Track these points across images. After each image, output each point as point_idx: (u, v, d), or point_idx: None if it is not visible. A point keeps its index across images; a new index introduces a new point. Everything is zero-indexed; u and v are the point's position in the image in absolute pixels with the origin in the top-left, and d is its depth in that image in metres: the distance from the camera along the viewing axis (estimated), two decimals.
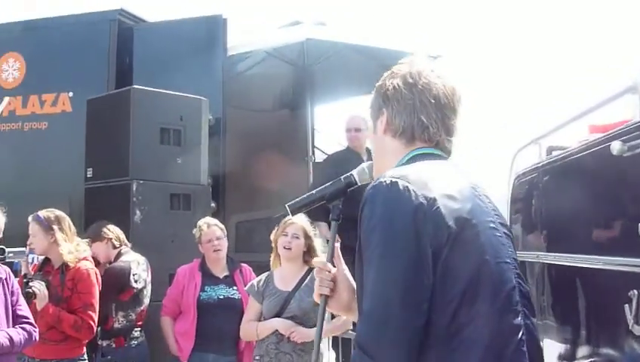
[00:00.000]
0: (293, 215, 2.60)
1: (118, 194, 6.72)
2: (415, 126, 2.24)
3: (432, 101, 2.24)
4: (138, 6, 9.27)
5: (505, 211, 5.28)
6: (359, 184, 2.46)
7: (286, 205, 2.54)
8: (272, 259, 5.44)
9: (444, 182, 2.07)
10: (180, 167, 6.96)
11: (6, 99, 8.97)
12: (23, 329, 4.58)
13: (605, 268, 3.20)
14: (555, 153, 4.23)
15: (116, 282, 5.73)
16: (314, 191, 2.54)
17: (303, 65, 9.54)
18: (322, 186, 2.51)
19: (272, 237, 5.40)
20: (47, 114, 8.76)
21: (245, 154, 8.58)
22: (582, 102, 3.89)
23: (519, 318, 2.04)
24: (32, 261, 5.49)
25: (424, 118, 2.23)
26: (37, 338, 4.71)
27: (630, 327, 2.84)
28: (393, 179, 2.02)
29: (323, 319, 2.47)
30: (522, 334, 2.02)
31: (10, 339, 4.44)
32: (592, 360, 3.59)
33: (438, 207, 1.98)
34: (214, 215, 6.97)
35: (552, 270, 4.26)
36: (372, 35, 8.99)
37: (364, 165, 2.50)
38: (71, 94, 8.65)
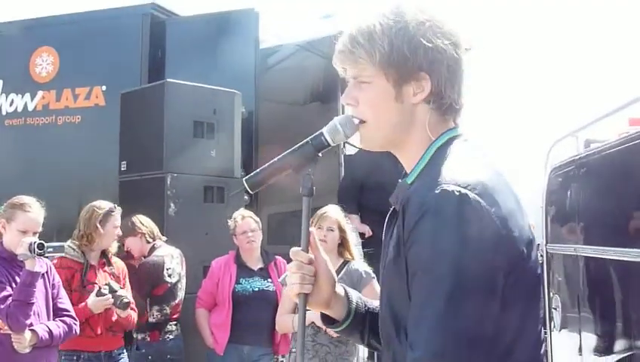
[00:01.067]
0: (252, 190, 2.05)
1: (153, 187, 6.76)
2: (460, 97, 1.89)
3: (463, 70, 1.90)
4: (170, 0, 9.30)
5: (540, 203, 5.26)
6: (332, 145, 1.97)
7: (243, 179, 2.07)
8: None
9: (504, 190, 1.78)
10: (213, 160, 6.99)
11: None
12: (63, 321, 4.64)
13: None
14: (593, 146, 4.20)
15: (150, 277, 5.78)
16: (276, 159, 2.03)
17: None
18: (287, 151, 2.02)
19: None
20: (80, 107, 8.84)
21: (277, 147, 8.56)
22: (620, 95, 3.86)
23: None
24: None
25: (462, 91, 1.90)
26: (77, 331, 4.77)
27: None
28: (462, 191, 1.66)
29: (304, 318, 2.01)
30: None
31: (50, 332, 4.49)
32: (631, 352, 3.57)
33: (513, 232, 1.71)
34: (247, 207, 6.99)
35: (590, 263, 4.23)
36: None
37: (337, 121, 1.96)
38: (104, 88, 8.72)
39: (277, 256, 6.26)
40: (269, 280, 6.05)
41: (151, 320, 5.81)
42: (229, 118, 7.20)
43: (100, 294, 5.16)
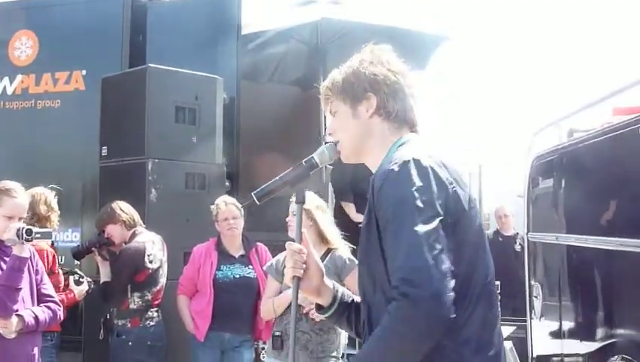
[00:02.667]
0: (259, 203, 2.61)
1: (134, 172, 6.72)
2: (406, 110, 2.46)
3: (409, 89, 2.48)
4: None
5: (523, 191, 5.28)
6: (319, 166, 2.55)
7: (252, 193, 2.61)
8: None
9: (451, 167, 2.30)
10: (195, 146, 6.96)
11: None
12: (48, 307, 4.61)
13: (629, 250, 3.20)
14: (576, 135, 4.22)
15: (131, 263, 5.75)
16: (277, 178, 2.58)
17: (317, 44, 9.48)
18: (284, 172, 2.56)
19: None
20: (60, 92, 8.71)
21: (259, 134, 8.57)
22: (605, 84, 3.87)
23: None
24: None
25: (410, 103, 2.47)
26: (62, 316, 4.77)
27: None
28: (414, 158, 2.20)
29: (297, 300, 2.54)
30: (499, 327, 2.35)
31: (36, 318, 4.47)
32: (612, 339, 3.60)
33: (456, 189, 2.23)
34: (228, 194, 6.97)
35: (572, 251, 4.26)
36: (387, 15, 8.94)
37: (324, 147, 2.58)
38: (84, 72, 8.61)
39: (258, 243, 6.26)
40: (250, 266, 6.05)
41: (132, 306, 5.78)
42: (210, 104, 7.17)
43: (77, 282, 5.47)
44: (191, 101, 7.00)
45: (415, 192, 2.14)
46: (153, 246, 5.85)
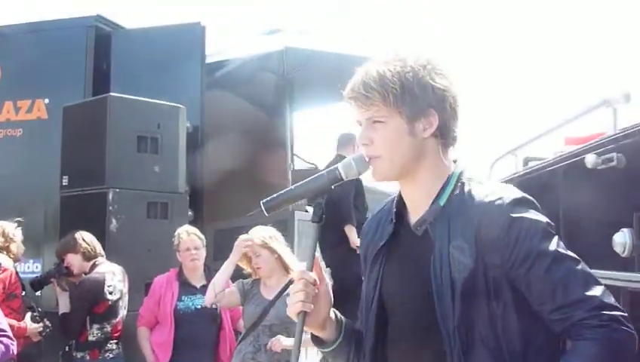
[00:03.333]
0: (268, 213, 2.25)
1: (94, 202, 6.66)
2: (457, 135, 2.18)
3: (460, 110, 2.18)
4: (116, 13, 9.22)
5: None
6: (345, 180, 2.19)
7: (261, 202, 2.26)
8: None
9: None
10: (157, 176, 6.93)
11: None
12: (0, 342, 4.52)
13: None
14: (531, 164, 4.23)
15: (90, 294, 5.69)
16: (292, 187, 2.23)
17: (282, 73, 9.52)
18: (303, 181, 2.22)
19: None
20: (22, 120, 8.68)
21: (224, 163, 8.55)
22: (559, 113, 3.90)
23: None
24: None
25: (457, 129, 2.19)
26: (14, 351, 4.65)
27: None
28: (523, 194, 2.06)
29: (301, 337, 2.15)
30: None
31: None
32: None
33: None
34: (191, 223, 6.93)
35: None
36: (352, 43, 8.99)
37: (352, 160, 2.18)
38: (47, 101, 8.58)
39: None
40: None
41: (91, 338, 5.70)
42: (173, 133, 7.15)
43: (34, 320, 5.38)
44: (153, 130, 6.97)
45: (548, 221, 2.01)
46: (113, 278, 5.78)
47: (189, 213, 7.45)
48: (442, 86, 2.09)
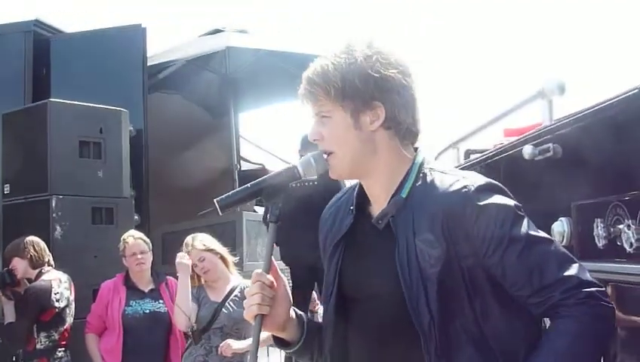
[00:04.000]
0: (222, 212, 2.15)
1: (38, 210, 6.58)
2: (416, 121, 2.12)
3: (417, 95, 2.13)
4: (55, 17, 9.10)
5: None
6: (303, 178, 2.14)
7: (215, 200, 2.16)
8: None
9: None
10: (101, 181, 6.86)
11: None
12: None
13: None
14: (472, 156, 4.28)
15: (36, 302, 5.60)
16: (248, 185, 2.15)
17: (226, 72, 9.50)
18: (259, 179, 2.15)
19: None
20: None
21: (169, 165, 8.50)
22: (497, 106, 3.95)
23: None
24: None
25: (417, 117, 2.13)
26: None
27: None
28: (489, 180, 2.05)
29: (259, 341, 2.10)
30: None
31: None
32: None
33: None
34: (138, 227, 6.88)
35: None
36: (293, 41, 9.00)
37: (311, 157, 2.11)
38: None
39: (168, 277, 6.16)
40: (161, 301, 5.94)
41: (39, 346, 5.62)
42: (116, 137, 7.08)
43: None
44: (95, 135, 6.90)
45: (516, 204, 2.00)
46: (60, 285, 5.71)
47: (135, 217, 7.38)
48: (387, 77, 2.04)
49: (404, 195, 2.06)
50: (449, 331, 1.96)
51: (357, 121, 2.05)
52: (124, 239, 6.00)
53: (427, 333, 1.96)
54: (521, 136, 3.09)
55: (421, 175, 2.07)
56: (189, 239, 5.42)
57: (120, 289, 5.91)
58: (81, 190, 6.72)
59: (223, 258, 5.29)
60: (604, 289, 1.93)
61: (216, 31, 9.37)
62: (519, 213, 1.98)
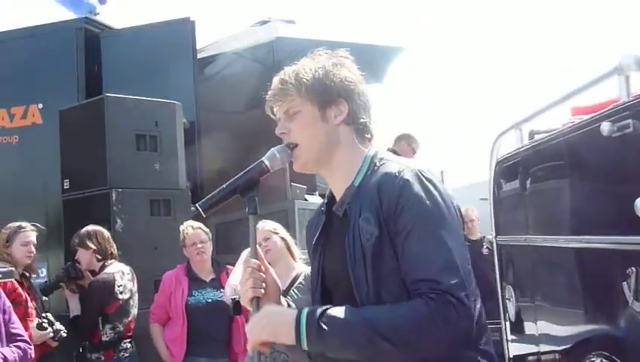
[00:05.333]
0: (205, 214, 2.37)
1: (98, 203, 6.67)
2: (371, 122, 2.38)
3: (370, 104, 2.39)
4: (104, 13, 9.19)
5: (488, 195, 5.32)
6: (271, 171, 2.33)
7: (196, 205, 2.37)
8: None
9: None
10: (158, 173, 6.92)
11: None
12: (17, 347, 4.53)
13: (599, 246, 3.23)
14: (537, 137, 4.26)
15: (101, 295, 5.69)
16: (224, 185, 2.34)
17: (273, 63, 9.52)
18: (233, 178, 2.34)
19: None
20: (17, 127, 8.66)
21: (221, 156, 8.55)
22: (563, 85, 3.92)
23: None
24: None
25: (371, 118, 2.38)
26: (32, 355, 4.67)
27: (630, 304, 2.87)
28: (418, 170, 2.17)
29: None
30: None
31: (5, 359, 4.39)
32: (587, 336, 3.63)
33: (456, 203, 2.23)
34: (194, 218, 6.94)
35: (540, 252, 4.29)
36: (341, 32, 9.00)
37: (275, 150, 2.34)
38: (40, 106, 8.56)
39: (228, 265, 6.23)
40: (222, 290, 6.00)
41: (104, 339, 5.71)
42: (171, 130, 7.15)
43: (40, 327, 5.26)
44: (151, 128, 6.96)
45: (439, 201, 2.13)
46: (123, 277, 5.79)
47: (192, 208, 7.44)
48: (350, 80, 2.32)
49: (355, 184, 2.27)
50: (381, 298, 2.13)
51: (323, 114, 2.30)
52: (183, 230, 6.07)
53: (365, 302, 2.15)
54: (597, 114, 3.08)
55: (372, 165, 2.28)
56: (260, 223, 5.46)
57: (182, 280, 5.99)
58: (139, 183, 6.80)
59: (287, 244, 5.30)
60: (469, 306, 2.03)
61: (264, 22, 9.41)
62: (433, 208, 2.12)
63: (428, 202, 2.11)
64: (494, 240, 5.31)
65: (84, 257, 5.87)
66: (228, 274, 6.13)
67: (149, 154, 6.92)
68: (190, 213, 7.30)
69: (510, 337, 5.19)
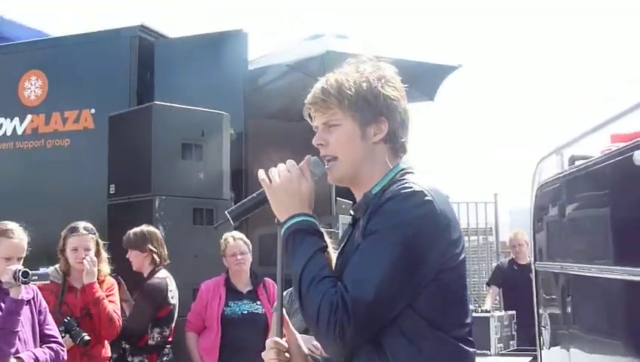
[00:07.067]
0: (234, 222, 2.40)
1: (141, 210, 6.73)
2: (408, 140, 2.34)
3: (411, 119, 2.35)
4: (158, 22, 9.31)
5: (528, 221, 5.25)
6: None
7: (226, 212, 2.39)
8: None
9: (446, 202, 2.19)
10: (202, 182, 6.96)
11: None
12: (50, 348, 4.59)
13: (631, 278, 3.16)
14: (577, 163, 4.19)
15: (155, 299, 5.73)
16: (254, 195, 2.37)
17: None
18: (262, 189, 2.35)
19: None
20: (69, 131, 8.78)
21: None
22: (604, 111, 3.85)
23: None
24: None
25: (408, 137, 2.34)
26: (64, 357, 4.72)
27: None
28: (420, 188, 2.12)
29: None
30: None
31: (36, 359, 4.45)
32: None
33: (452, 235, 2.15)
34: (236, 229, 6.96)
35: (577, 280, 4.21)
36: (392, 47, 8.97)
37: (312, 160, 2.33)
38: (93, 111, 8.67)
39: (266, 279, 6.24)
40: (258, 302, 6.02)
41: (150, 342, 5.74)
42: (217, 140, 7.19)
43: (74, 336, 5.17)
44: (197, 137, 7.01)
45: (415, 225, 2.07)
46: (171, 283, 5.83)
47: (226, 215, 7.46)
48: (393, 97, 2.27)
49: (373, 192, 2.25)
50: None
51: (364, 132, 2.27)
52: (225, 239, 6.10)
53: None
54: (632, 142, 3.02)
55: (393, 179, 2.25)
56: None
57: (220, 290, 6.02)
58: (182, 191, 6.84)
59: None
60: (355, 329, 2.02)
61: (316, 36, 9.42)
62: (399, 227, 2.07)
63: (400, 218, 2.08)
64: (533, 266, 5.24)
65: (138, 260, 5.89)
66: (265, 287, 6.15)
67: (194, 163, 6.96)
68: (232, 223, 7.33)
69: None
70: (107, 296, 5.34)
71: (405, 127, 2.32)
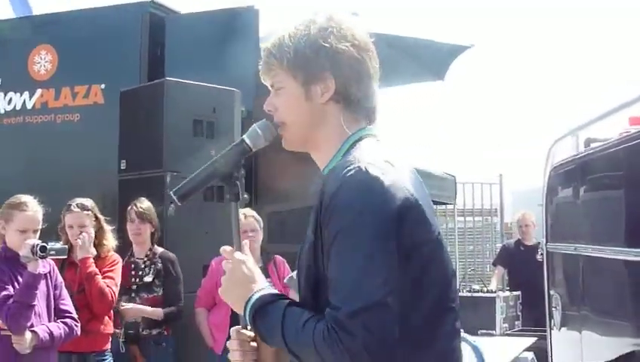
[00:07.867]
0: (181, 203, 2.17)
1: (152, 185, 6.72)
2: (368, 97, 2.08)
3: (374, 70, 2.09)
4: None
5: (531, 202, 5.26)
6: (253, 150, 2.14)
7: (170, 192, 2.17)
8: None
9: (411, 178, 1.96)
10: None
11: None
12: (64, 323, 4.63)
13: None
14: (593, 145, 4.19)
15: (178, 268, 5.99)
16: (200, 170, 2.17)
17: None
18: (210, 161, 2.16)
19: None
20: (79, 106, 8.77)
21: (277, 145, 8.57)
22: (621, 93, 3.85)
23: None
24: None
25: (373, 88, 2.09)
26: (78, 332, 4.76)
27: None
28: (374, 171, 1.84)
29: None
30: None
31: (51, 334, 4.48)
32: (631, 350, 3.57)
33: (422, 209, 1.89)
34: (247, 206, 6.98)
35: (590, 262, 4.22)
36: (404, 26, 8.93)
37: (257, 127, 2.13)
38: (103, 86, 8.66)
39: (276, 256, 6.26)
40: (269, 279, 5.99)
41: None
42: (228, 117, 7.18)
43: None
44: (209, 114, 7.01)
45: (370, 207, 1.81)
46: None
47: (245, 195, 7.48)
48: (339, 49, 2.02)
49: (325, 172, 2.06)
50: (318, 307, 1.87)
51: (308, 92, 2.05)
52: None
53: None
54: None
55: (346, 152, 2.01)
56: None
57: None
58: (193, 168, 6.78)
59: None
60: (359, 338, 1.73)
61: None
62: (357, 217, 1.81)
63: (354, 210, 1.81)
64: (544, 247, 5.25)
65: (148, 233, 6.03)
66: (276, 265, 6.17)
67: (205, 140, 6.95)
68: (243, 200, 7.34)
69: (555, 346, 5.12)
70: (106, 272, 5.34)
71: (358, 82, 2.05)
